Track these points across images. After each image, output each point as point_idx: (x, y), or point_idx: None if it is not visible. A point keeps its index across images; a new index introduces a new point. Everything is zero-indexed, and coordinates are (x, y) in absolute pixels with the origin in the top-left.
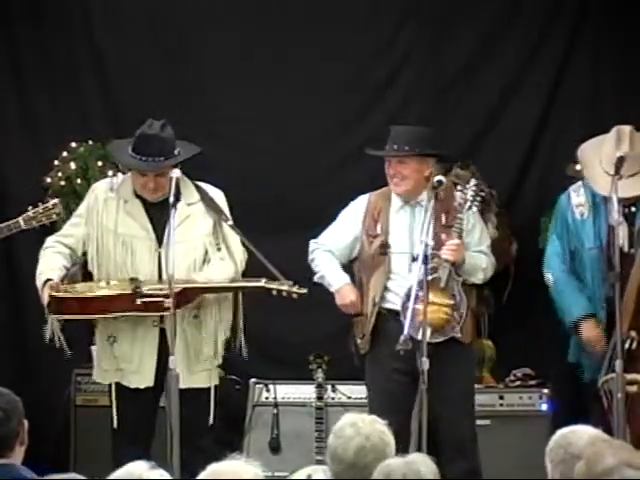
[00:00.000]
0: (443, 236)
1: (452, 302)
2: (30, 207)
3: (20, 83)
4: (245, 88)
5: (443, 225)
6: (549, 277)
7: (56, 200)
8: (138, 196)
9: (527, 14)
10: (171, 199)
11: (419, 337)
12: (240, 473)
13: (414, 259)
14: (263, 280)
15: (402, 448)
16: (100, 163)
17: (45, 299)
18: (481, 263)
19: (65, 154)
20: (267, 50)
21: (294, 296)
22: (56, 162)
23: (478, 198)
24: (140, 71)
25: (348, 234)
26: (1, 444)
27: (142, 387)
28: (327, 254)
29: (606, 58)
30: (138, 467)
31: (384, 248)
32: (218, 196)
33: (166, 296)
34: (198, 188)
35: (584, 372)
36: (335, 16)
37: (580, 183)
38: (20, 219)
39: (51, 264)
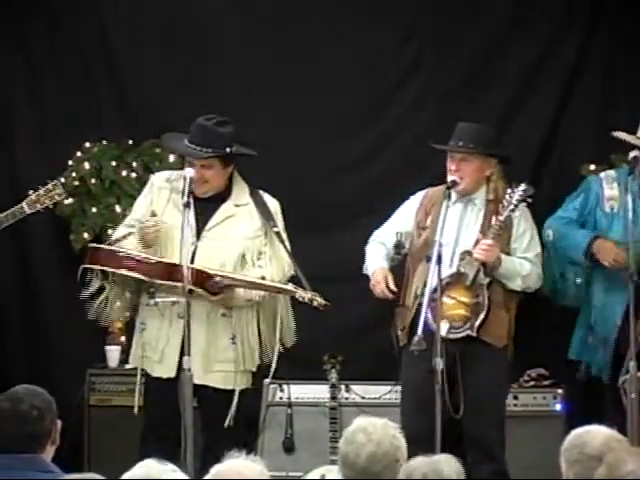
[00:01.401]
0: (479, 235)
1: (474, 301)
2: (31, 191)
3: (34, 83)
4: (260, 88)
5: (489, 226)
6: (549, 233)
7: (56, 181)
8: (191, 191)
9: (541, 13)
10: (185, 199)
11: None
12: (245, 472)
13: (428, 259)
14: (290, 285)
15: (429, 448)
16: (114, 163)
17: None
18: (521, 270)
19: (79, 154)
20: (282, 50)
21: (314, 304)
22: (70, 162)
23: (523, 203)
24: (154, 71)
25: (400, 227)
26: (33, 441)
27: (164, 377)
28: (377, 246)
29: (620, 59)
30: (152, 466)
31: (428, 246)
32: (272, 205)
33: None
34: (253, 192)
35: (589, 368)
36: (348, 15)
37: (613, 175)
38: (23, 204)
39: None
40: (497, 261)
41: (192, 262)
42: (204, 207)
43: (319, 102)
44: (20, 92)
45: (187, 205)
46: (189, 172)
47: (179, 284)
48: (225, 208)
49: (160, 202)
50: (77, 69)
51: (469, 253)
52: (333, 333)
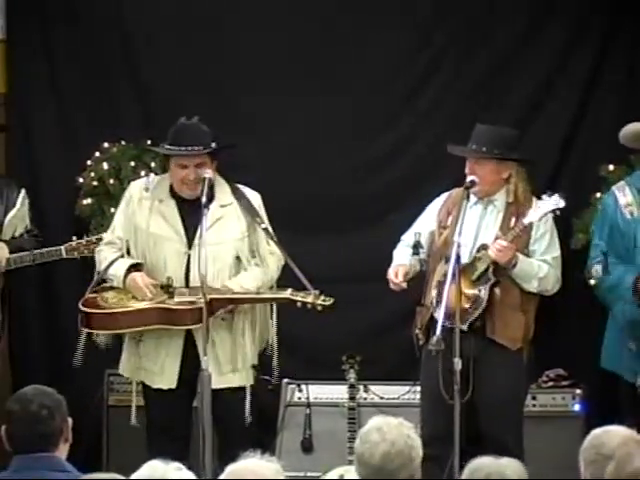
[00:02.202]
0: (498, 233)
1: (476, 294)
2: (74, 237)
3: (54, 84)
4: (278, 89)
5: (508, 228)
6: (593, 282)
7: (101, 235)
8: (174, 196)
9: (560, 14)
10: (203, 199)
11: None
12: (260, 471)
13: (447, 259)
14: (288, 291)
15: (446, 447)
16: (132, 163)
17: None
18: (538, 272)
19: (98, 154)
20: (299, 51)
21: (319, 308)
22: (89, 162)
23: (551, 214)
24: (173, 71)
25: (422, 228)
26: (46, 441)
27: (165, 388)
28: (402, 248)
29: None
30: (157, 466)
31: (447, 246)
32: (255, 199)
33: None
34: (234, 189)
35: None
36: (367, 17)
37: (623, 183)
38: (62, 248)
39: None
40: (511, 263)
41: (187, 273)
42: (189, 211)
43: (337, 103)
44: (39, 93)
45: (206, 206)
46: (207, 173)
47: (178, 327)
48: (212, 211)
49: (143, 214)
50: (96, 70)
51: (485, 247)
52: (352, 334)
